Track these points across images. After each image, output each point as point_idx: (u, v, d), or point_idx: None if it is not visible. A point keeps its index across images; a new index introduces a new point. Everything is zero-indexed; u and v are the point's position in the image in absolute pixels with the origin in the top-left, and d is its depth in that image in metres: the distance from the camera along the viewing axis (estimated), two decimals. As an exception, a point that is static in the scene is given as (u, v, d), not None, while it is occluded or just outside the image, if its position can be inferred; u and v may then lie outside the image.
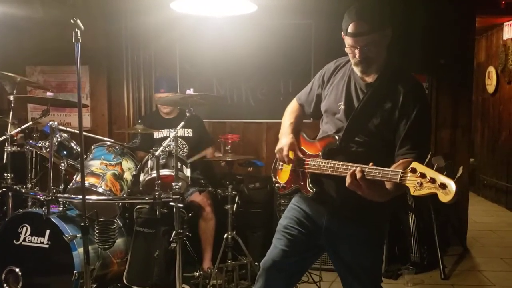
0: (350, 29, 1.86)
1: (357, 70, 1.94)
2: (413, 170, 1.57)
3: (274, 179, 2.27)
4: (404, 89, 1.88)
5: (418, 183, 1.55)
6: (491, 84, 6.43)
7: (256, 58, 4.26)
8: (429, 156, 1.59)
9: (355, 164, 1.76)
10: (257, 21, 4.07)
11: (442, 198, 1.51)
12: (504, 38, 5.92)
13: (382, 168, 1.68)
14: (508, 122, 5.90)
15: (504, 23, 5.83)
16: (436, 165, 1.54)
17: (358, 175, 1.71)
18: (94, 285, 2.88)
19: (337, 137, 1.95)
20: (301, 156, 2.04)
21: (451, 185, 1.49)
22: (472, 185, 6.59)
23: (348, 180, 1.74)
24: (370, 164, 1.72)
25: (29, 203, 3.15)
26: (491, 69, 6.41)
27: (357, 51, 1.87)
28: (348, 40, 1.89)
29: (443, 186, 1.50)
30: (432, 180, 1.52)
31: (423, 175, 1.54)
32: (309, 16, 4.19)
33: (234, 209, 3.27)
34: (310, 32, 4.21)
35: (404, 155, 1.84)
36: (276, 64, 4.27)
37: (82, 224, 2.22)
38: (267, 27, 4.20)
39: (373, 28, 1.83)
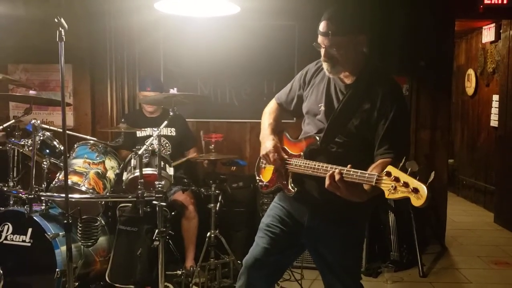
0: (320, 27, 1.93)
1: (324, 67, 2.00)
2: (388, 174, 1.61)
3: (257, 178, 2.30)
4: (382, 90, 1.91)
5: (392, 186, 1.59)
6: (470, 87, 6.57)
7: (240, 59, 4.29)
8: (403, 160, 1.63)
9: (334, 166, 1.79)
10: (241, 22, 4.11)
11: (414, 202, 1.54)
12: (483, 41, 6.05)
13: (360, 171, 1.72)
14: (486, 123, 6.03)
15: (483, 27, 5.96)
16: (409, 169, 1.57)
17: (337, 177, 1.74)
18: (77, 284, 2.88)
19: (317, 138, 1.99)
20: (285, 156, 2.07)
21: (423, 190, 1.52)
22: (452, 186, 6.72)
23: (327, 181, 1.77)
24: (349, 166, 1.75)
25: (11, 202, 3.12)
26: (471, 71, 6.54)
27: (322, 50, 1.94)
28: (318, 38, 1.95)
29: (416, 190, 1.54)
30: (406, 184, 1.56)
31: (397, 179, 1.58)
32: (292, 18, 4.24)
33: (217, 208, 3.30)
34: (294, 34, 4.26)
35: (382, 155, 1.88)
36: (260, 64, 4.30)
37: (65, 221, 2.23)
38: (251, 28, 4.23)
39: (338, 31, 1.88)
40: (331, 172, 1.77)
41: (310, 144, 2.01)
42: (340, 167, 1.76)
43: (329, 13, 1.91)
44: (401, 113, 1.92)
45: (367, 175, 1.69)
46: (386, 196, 1.61)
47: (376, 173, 1.66)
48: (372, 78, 1.96)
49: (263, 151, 2.12)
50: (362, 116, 1.93)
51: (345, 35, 1.89)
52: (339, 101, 1.99)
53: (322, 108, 2.02)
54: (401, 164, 1.62)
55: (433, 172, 1.55)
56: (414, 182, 1.55)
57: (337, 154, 1.96)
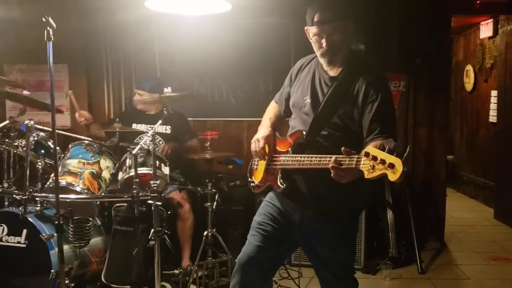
0: (316, 18, 1.92)
1: (323, 62, 1.99)
2: (367, 154, 1.59)
3: (249, 179, 2.31)
4: (366, 80, 1.91)
5: (371, 166, 1.57)
6: (469, 82, 6.54)
7: (236, 57, 4.28)
8: (380, 140, 1.61)
9: (319, 156, 1.79)
10: (235, 20, 4.10)
11: (390, 177, 1.52)
12: (481, 37, 6.03)
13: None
14: (485, 119, 6.01)
15: (481, 23, 5.94)
16: (387, 147, 1.57)
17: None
18: (73, 284, 2.86)
19: (304, 132, 2.00)
20: (273, 153, 2.08)
21: (399, 163, 1.51)
22: (452, 182, 6.71)
23: (332, 172, 1.71)
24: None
25: (6, 203, 3.12)
26: (469, 67, 6.51)
27: (323, 40, 1.93)
28: (314, 30, 1.94)
29: (392, 165, 1.52)
30: (382, 161, 1.54)
31: (375, 158, 1.56)
32: (286, 15, 4.22)
33: (214, 206, 3.29)
34: (289, 31, 4.24)
35: (372, 139, 1.84)
36: (256, 62, 4.29)
37: (56, 222, 2.22)
38: (246, 26, 4.22)
39: (336, 16, 1.91)
40: (333, 159, 1.70)
41: (297, 138, 2.02)
42: (329, 156, 1.73)
43: (321, 2, 1.93)
44: (386, 102, 1.91)
45: (347, 158, 1.66)
46: (366, 177, 1.59)
47: (356, 156, 1.64)
48: (356, 69, 1.96)
49: (254, 137, 2.15)
50: (347, 107, 1.93)
51: (341, 19, 1.92)
52: (324, 94, 1.99)
53: (308, 100, 2.02)
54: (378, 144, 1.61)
55: (409, 146, 1.54)
56: (390, 158, 1.53)
57: (325, 147, 1.95)
